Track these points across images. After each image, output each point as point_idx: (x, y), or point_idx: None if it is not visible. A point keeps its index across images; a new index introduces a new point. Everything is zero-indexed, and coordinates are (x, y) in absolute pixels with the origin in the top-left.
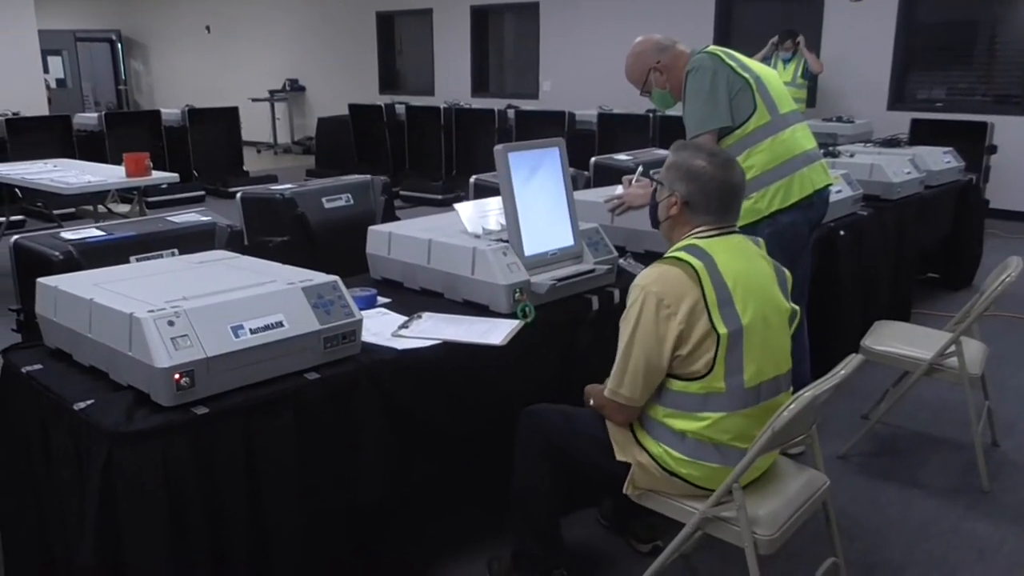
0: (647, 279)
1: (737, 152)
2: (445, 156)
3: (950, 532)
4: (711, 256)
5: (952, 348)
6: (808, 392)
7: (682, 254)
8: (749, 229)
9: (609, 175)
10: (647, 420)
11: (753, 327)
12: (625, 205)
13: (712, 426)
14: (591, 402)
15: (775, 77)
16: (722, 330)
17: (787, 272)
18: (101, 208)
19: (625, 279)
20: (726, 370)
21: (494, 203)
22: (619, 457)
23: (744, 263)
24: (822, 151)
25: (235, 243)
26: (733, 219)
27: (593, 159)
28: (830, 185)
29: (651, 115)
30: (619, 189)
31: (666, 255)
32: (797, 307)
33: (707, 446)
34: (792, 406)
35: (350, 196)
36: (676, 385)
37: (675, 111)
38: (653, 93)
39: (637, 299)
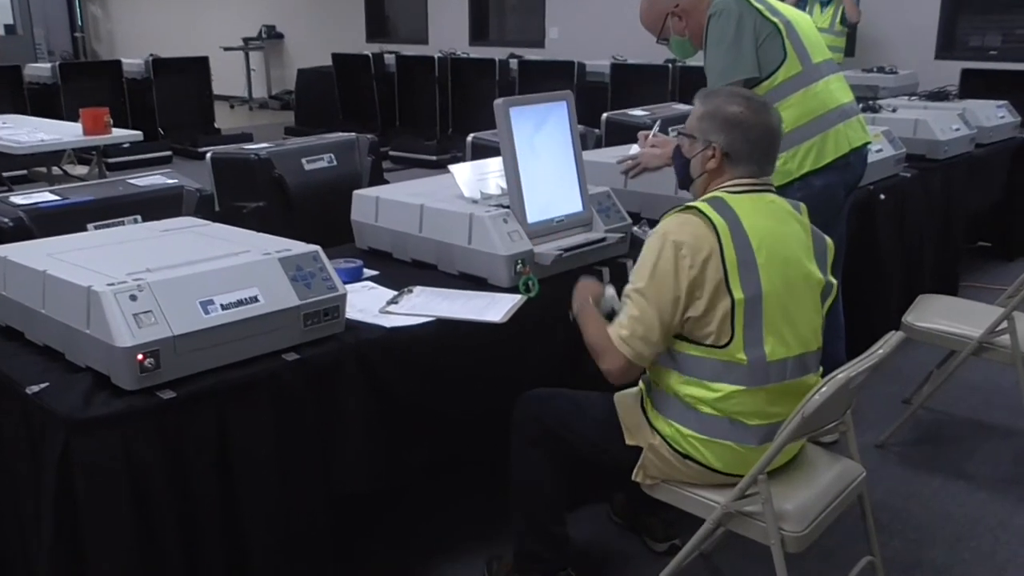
0: (668, 226)
1: None
2: (440, 112)
3: (999, 528)
4: (735, 213)
5: (1004, 325)
6: (842, 373)
7: (705, 207)
8: (779, 192)
9: (623, 133)
10: (659, 395)
11: (774, 294)
12: (640, 166)
13: (726, 398)
14: (576, 307)
15: (808, 22)
16: (738, 294)
17: (829, 241)
18: (56, 170)
19: (639, 249)
20: (745, 340)
21: (494, 164)
22: (629, 441)
23: (773, 224)
24: (860, 105)
25: (205, 209)
26: (772, 169)
27: (605, 115)
28: (869, 143)
29: (670, 65)
30: (634, 148)
31: (688, 204)
32: (834, 280)
33: (720, 421)
34: (824, 389)
35: (333, 157)
36: (693, 350)
37: (697, 60)
38: (671, 41)
39: (655, 246)
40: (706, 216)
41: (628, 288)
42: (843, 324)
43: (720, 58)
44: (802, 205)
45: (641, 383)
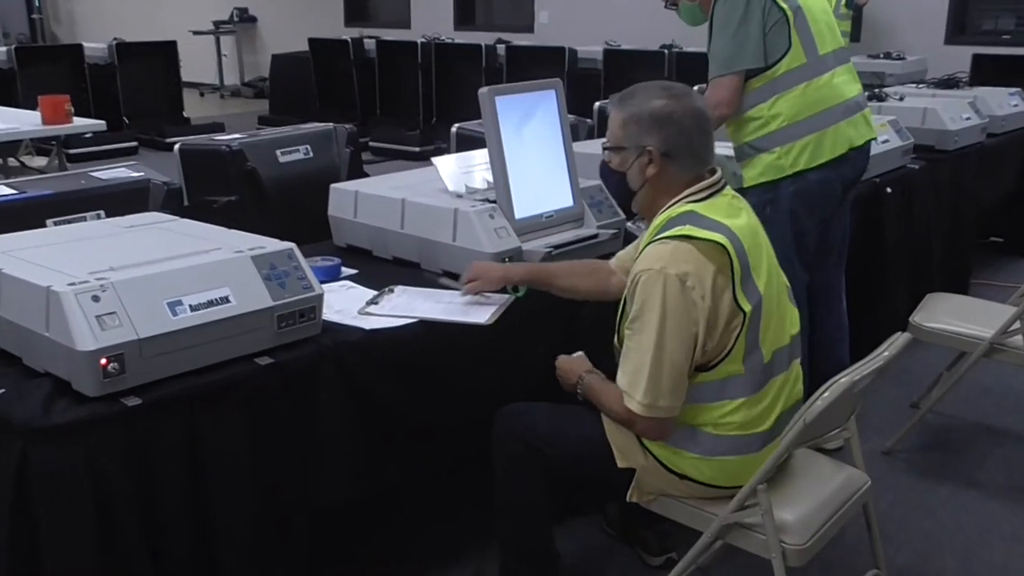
0: (659, 260)
1: (763, 97)
2: (423, 101)
3: (1012, 539)
4: (720, 222)
5: (1017, 324)
6: (846, 377)
7: (690, 229)
8: (769, 187)
9: None
10: None
11: (768, 293)
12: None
13: (730, 414)
14: (578, 391)
15: (821, 6)
16: (746, 306)
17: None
18: (12, 161)
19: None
20: (746, 349)
21: (479, 156)
22: (621, 464)
23: (746, 220)
24: (867, 94)
25: (173, 203)
26: (712, 159)
27: (598, 104)
28: (872, 139)
29: (667, 52)
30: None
31: (664, 234)
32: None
33: (722, 440)
34: (827, 394)
35: (309, 148)
36: (695, 377)
37: (698, 47)
38: (680, 6)
39: (654, 283)
40: (702, 240)
41: (632, 343)
42: (847, 325)
43: (724, 45)
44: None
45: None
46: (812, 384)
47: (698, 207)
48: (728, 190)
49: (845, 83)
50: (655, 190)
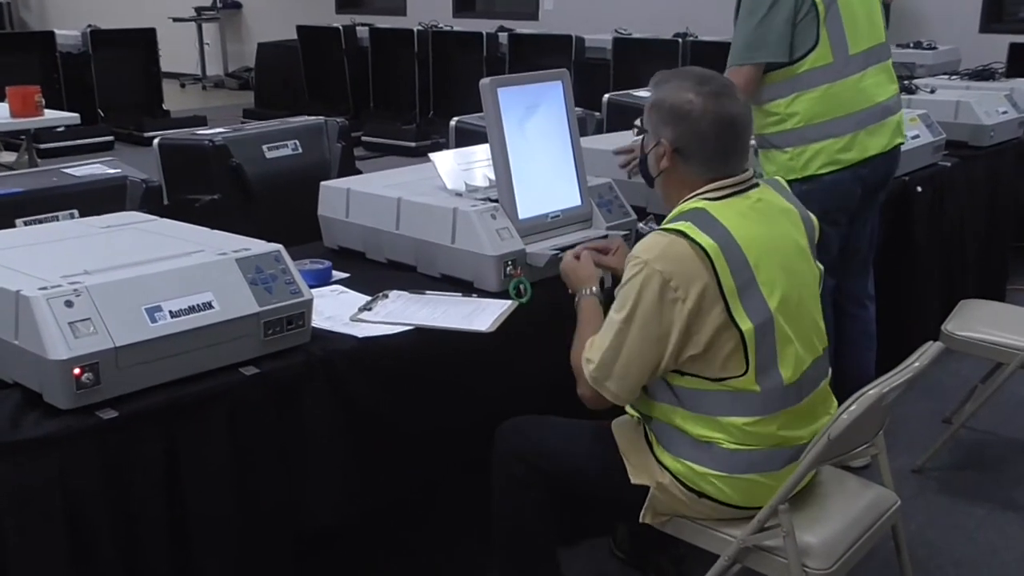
0: (650, 251)
1: (782, 93)
2: (419, 93)
3: None
4: (724, 227)
5: None
6: (873, 389)
7: (689, 227)
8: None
9: (627, 116)
10: (662, 429)
11: (785, 310)
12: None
13: (744, 433)
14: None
15: (860, 1)
16: (746, 325)
17: (813, 219)
18: None
19: None
20: (757, 369)
21: (480, 152)
22: (635, 480)
23: (766, 229)
24: (902, 95)
25: (152, 202)
26: (739, 164)
27: (607, 96)
28: (901, 143)
29: (681, 40)
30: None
31: (669, 223)
32: (821, 267)
33: (739, 455)
34: (853, 407)
35: (298, 143)
36: (695, 383)
37: (715, 35)
38: None
39: (638, 274)
40: (694, 241)
41: (608, 317)
42: (875, 333)
43: (748, 32)
44: (780, 180)
45: (632, 412)
46: (838, 397)
47: (711, 206)
48: (755, 193)
49: (877, 85)
50: (668, 183)
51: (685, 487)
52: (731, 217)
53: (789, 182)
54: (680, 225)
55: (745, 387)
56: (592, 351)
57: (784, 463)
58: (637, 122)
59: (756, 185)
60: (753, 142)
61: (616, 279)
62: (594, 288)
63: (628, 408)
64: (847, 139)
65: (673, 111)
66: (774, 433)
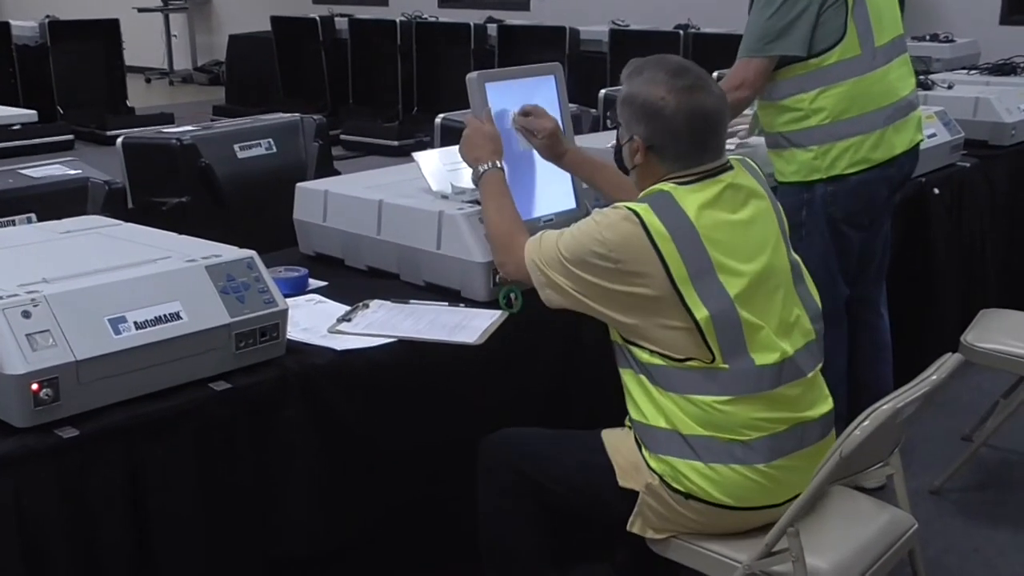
0: (601, 221)
1: (805, 87)
2: (402, 88)
3: None
4: (682, 210)
5: None
6: (887, 404)
7: (645, 209)
8: (805, 187)
9: None
10: (644, 430)
11: (749, 299)
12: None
13: (710, 410)
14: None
15: None
16: (701, 312)
17: (780, 207)
18: None
19: None
20: (723, 352)
21: None
22: (623, 483)
23: (733, 213)
24: (918, 91)
25: (115, 205)
26: (714, 157)
27: (603, 91)
28: (921, 140)
29: (682, 32)
30: None
31: (626, 204)
32: (798, 258)
33: (712, 441)
34: (866, 423)
35: (272, 142)
36: (659, 360)
37: (718, 27)
38: None
39: (589, 225)
40: (644, 224)
41: (559, 243)
42: (891, 344)
43: (763, 23)
44: (749, 161)
45: (626, 421)
46: (851, 412)
47: (677, 190)
48: (727, 177)
49: (900, 79)
50: (642, 176)
51: (670, 488)
52: (695, 202)
53: (812, 183)
54: (637, 205)
55: (713, 367)
56: (542, 247)
57: (769, 456)
58: (611, 113)
59: (730, 167)
60: (752, 140)
61: (540, 147)
62: (497, 162)
63: (625, 421)
64: (875, 136)
65: (645, 108)
66: (750, 418)
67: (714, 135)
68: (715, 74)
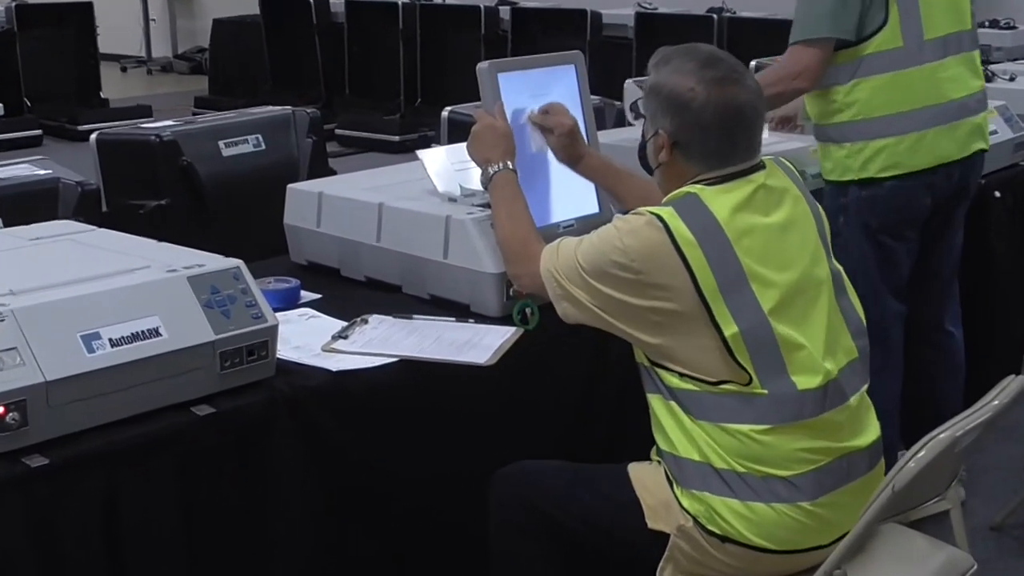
0: (622, 227)
1: (843, 77)
2: (405, 78)
3: None
4: (713, 216)
5: None
6: (944, 433)
7: (670, 214)
8: (841, 189)
9: None
10: (676, 463)
11: (786, 313)
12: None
13: (749, 442)
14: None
15: None
16: (730, 328)
17: (822, 211)
18: None
19: None
20: (758, 372)
21: None
22: (652, 525)
23: (767, 217)
24: (984, 95)
25: (89, 209)
26: (746, 157)
27: (628, 82)
28: (983, 151)
29: (715, 17)
30: None
31: (649, 208)
32: (840, 266)
33: (752, 478)
34: (921, 454)
35: (261, 138)
36: (692, 385)
37: (754, 11)
38: None
39: (609, 232)
40: (670, 230)
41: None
42: (962, 365)
43: (817, 3)
44: (786, 163)
45: (654, 453)
46: (909, 438)
47: (705, 191)
48: (760, 176)
49: (954, 79)
50: (667, 176)
51: (705, 531)
52: (725, 204)
53: (846, 183)
54: (661, 209)
55: (750, 391)
56: (558, 257)
57: (816, 492)
58: (637, 103)
59: (762, 167)
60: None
61: (556, 147)
62: (509, 163)
63: (652, 454)
64: (913, 139)
65: (671, 100)
66: (792, 449)
67: (747, 132)
68: (752, 64)
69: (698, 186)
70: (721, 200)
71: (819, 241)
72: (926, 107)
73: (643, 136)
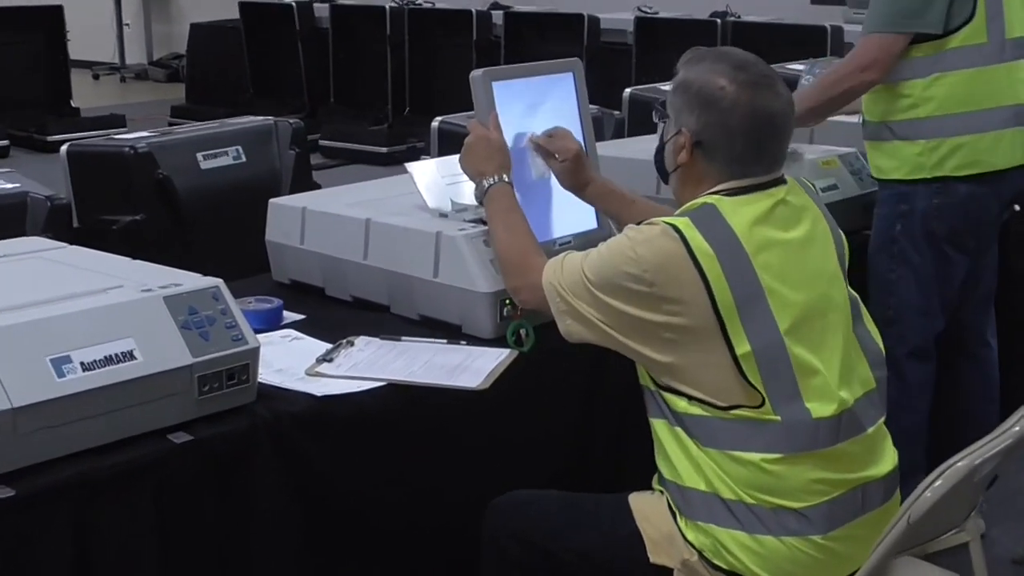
0: (634, 237)
1: (921, 71)
2: (392, 86)
3: None
4: (731, 229)
5: None
6: (962, 461)
7: (686, 224)
8: (904, 193)
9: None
10: (680, 493)
11: (803, 335)
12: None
13: (758, 472)
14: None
15: None
16: (743, 347)
17: (843, 235)
18: None
19: None
20: (771, 395)
21: None
22: (654, 559)
23: (787, 233)
24: None
25: (59, 225)
26: (771, 169)
27: (628, 91)
28: None
29: (719, 22)
30: None
31: (664, 219)
32: (855, 294)
33: (760, 510)
34: (938, 483)
35: (241, 150)
36: (699, 410)
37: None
38: None
39: (620, 242)
40: (686, 242)
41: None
42: (998, 379)
43: None
44: (810, 184)
45: (656, 482)
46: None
47: (723, 202)
48: (780, 191)
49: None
50: (684, 181)
51: (711, 565)
52: (744, 217)
53: (915, 186)
54: (676, 219)
55: (762, 417)
56: (569, 260)
57: (828, 525)
58: (660, 104)
59: (783, 182)
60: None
61: (560, 172)
62: (505, 176)
63: (654, 482)
64: (992, 137)
65: (700, 96)
66: (805, 480)
67: (774, 142)
68: (823, 60)
69: (716, 197)
70: (740, 212)
71: (838, 264)
72: (1004, 106)
73: (662, 138)
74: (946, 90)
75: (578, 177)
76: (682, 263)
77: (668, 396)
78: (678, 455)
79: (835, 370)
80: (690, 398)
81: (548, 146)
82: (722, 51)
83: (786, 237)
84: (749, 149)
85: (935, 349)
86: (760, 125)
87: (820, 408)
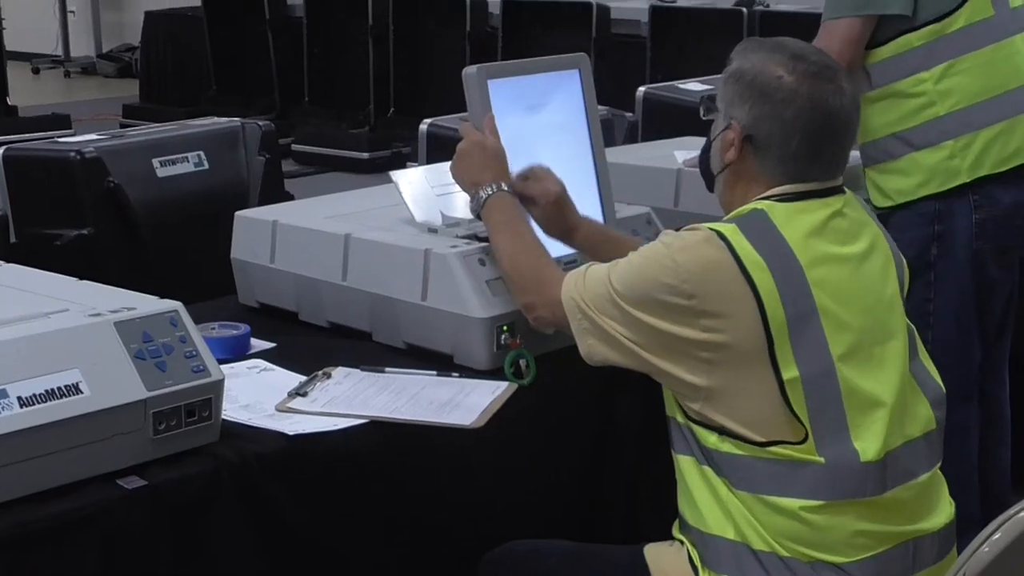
0: (672, 244)
1: (925, 64)
2: (375, 83)
3: None
4: (784, 239)
5: None
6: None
7: (733, 231)
8: (936, 211)
9: (671, 118)
10: (704, 541)
11: (858, 362)
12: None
13: (796, 520)
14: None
15: None
16: (789, 372)
17: (904, 259)
18: None
19: None
20: (815, 430)
21: None
22: None
23: (845, 248)
24: None
25: None
26: (829, 171)
27: (642, 89)
28: None
29: (745, 11)
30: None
31: (709, 224)
32: (912, 326)
33: (800, 564)
34: (996, 536)
35: (203, 156)
36: (733, 447)
37: (790, 4)
38: None
39: (655, 249)
40: (733, 250)
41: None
42: (1010, 419)
43: None
44: (864, 203)
45: (677, 529)
46: (983, 513)
47: (775, 208)
48: (838, 201)
49: None
50: (732, 181)
51: None
52: (798, 226)
53: (950, 199)
54: (722, 225)
55: (803, 456)
56: (583, 283)
57: None
58: (708, 98)
59: (841, 191)
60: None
61: (541, 218)
62: (504, 185)
63: (674, 530)
64: (1008, 124)
65: (754, 86)
66: (850, 532)
67: (833, 142)
68: None
69: (767, 202)
70: (794, 221)
71: (898, 288)
72: (1015, 89)
73: (709, 137)
74: (966, 80)
75: (563, 223)
76: (728, 274)
77: (698, 430)
78: (705, 498)
79: (890, 406)
80: (722, 432)
81: (525, 190)
82: (781, 41)
83: (843, 252)
84: (805, 148)
85: (976, 386)
86: (819, 121)
87: (870, 449)
